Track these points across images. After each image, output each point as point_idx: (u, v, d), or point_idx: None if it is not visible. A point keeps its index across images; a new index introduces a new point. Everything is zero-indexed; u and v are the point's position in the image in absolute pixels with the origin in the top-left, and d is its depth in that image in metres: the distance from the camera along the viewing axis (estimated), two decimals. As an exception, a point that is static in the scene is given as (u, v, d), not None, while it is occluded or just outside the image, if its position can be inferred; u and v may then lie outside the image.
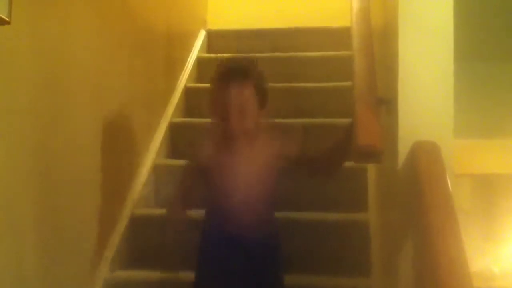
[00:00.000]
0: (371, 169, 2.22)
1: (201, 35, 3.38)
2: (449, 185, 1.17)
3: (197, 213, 1.72)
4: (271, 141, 1.62)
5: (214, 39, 3.39)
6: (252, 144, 1.59)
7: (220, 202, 1.61)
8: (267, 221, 1.64)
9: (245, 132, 1.55)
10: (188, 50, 3.14)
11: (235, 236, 1.58)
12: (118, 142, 2.13)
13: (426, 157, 1.22)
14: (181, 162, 2.44)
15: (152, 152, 2.46)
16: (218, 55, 3.19)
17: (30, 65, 1.46)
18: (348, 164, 2.23)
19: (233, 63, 1.63)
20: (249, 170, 1.59)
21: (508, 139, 3.10)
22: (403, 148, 1.26)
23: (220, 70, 1.58)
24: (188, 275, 1.66)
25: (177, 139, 2.65)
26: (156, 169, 2.42)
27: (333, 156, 1.65)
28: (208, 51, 3.35)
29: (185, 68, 3.02)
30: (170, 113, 2.70)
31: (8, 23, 1.25)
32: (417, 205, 1.21)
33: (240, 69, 1.56)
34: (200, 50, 3.27)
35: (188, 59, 3.10)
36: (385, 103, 1.40)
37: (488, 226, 4.11)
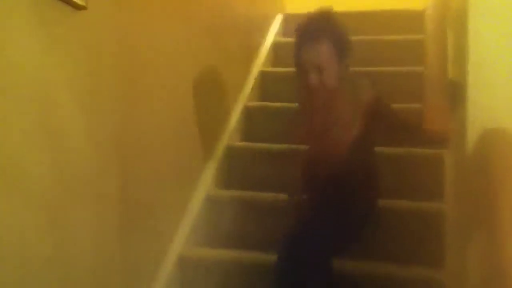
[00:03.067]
0: (448, 157, 2.14)
1: (278, 19, 3.38)
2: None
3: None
4: (358, 94, 1.65)
5: (291, 23, 3.37)
6: (337, 98, 1.62)
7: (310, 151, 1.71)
8: (357, 163, 1.68)
9: (326, 90, 1.59)
10: (265, 34, 3.15)
11: (326, 176, 1.68)
12: (194, 124, 2.20)
13: (497, 146, 1.16)
14: (255, 144, 2.52)
15: (227, 135, 2.51)
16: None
17: (108, 52, 1.52)
18: (423, 150, 2.21)
19: (308, 22, 1.66)
20: (334, 119, 1.65)
21: None
22: (472, 136, 1.21)
23: (297, 31, 1.65)
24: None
25: (252, 122, 2.69)
26: (228, 150, 2.47)
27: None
28: (285, 35, 3.34)
29: (261, 52, 3.04)
30: (245, 97, 2.73)
31: (85, 8, 1.29)
32: (487, 196, 1.16)
33: (314, 28, 1.60)
34: (277, 34, 3.27)
35: (265, 43, 3.12)
36: (458, 85, 1.34)
37: None
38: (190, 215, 2.14)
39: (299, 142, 1.86)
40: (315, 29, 1.59)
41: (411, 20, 2.85)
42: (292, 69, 2.82)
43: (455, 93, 1.33)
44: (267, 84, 2.92)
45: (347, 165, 1.67)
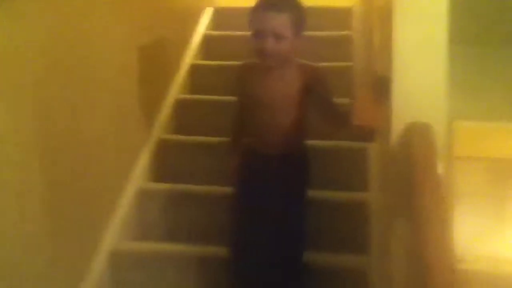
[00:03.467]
0: (372, 149, 2.25)
1: (208, 12, 3.38)
2: (439, 167, 1.20)
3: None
4: (305, 71, 1.72)
5: (221, 16, 3.40)
6: (286, 68, 1.71)
7: (254, 120, 1.77)
8: (296, 143, 1.79)
9: (278, 58, 1.66)
10: (195, 28, 3.15)
11: (267, 151, 1.76)
12: (126, 117, 2.18)
13: (418, 138, 1.25)
14: (186, 137, 2.53)
15: (159, 127, 2.50)
16: (224, 32, 3.21)
17: (43, 37, 1.48)
18: (348, 143, 2.31)
19: None
20: (280, 93, 1.72)
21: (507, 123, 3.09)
22: (396, 129, 1.29)
23: (257, 0, 1.69)
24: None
25: (183, 115, 2.69)
26: (160, 143, 2.47)
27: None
28: (215, 29, 3.36)
29: (191, 45, 3.04)
30: (175, 90, 2.73)
31: None
32: (408, 186, 1.24)
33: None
34: (207, 28, 3.28)
35: (195, 37, 3.12)
36: (386, 80, 1.42)
37: (497, 210, 4.11)
38: (122, 208, 2.11)
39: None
40: (278, 1, 1.66)
41: (339, 17, 2.95)
42: (222, 62, 2.86)
43: (383, 88, 1.40)
44: (198, 77, 2.92)
45: (289, 147, 1.76)
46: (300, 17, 1.67)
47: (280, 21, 1.62)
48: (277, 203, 1.75)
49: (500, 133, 3.37)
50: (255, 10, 1.67)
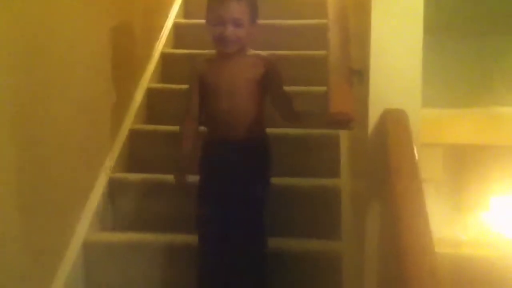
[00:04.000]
0: (344, 136, 2.28)
1: (178, 1, 3.35)
2: (415, 152, 1.24)
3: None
4: (260, 59, 1.80)
5: (191, 4, 3.37)
6: (243, 56, 1.78)
7: (213, 109, 1.81)
8: (255, 130, 1.81)
9: (237, 44, 1.73)
10: (165, 16, 3.12)
11: (227, 139, 1.80)
12: (97, 108, 2.15)
13: (393, 124, 1.28)
14: (158, 127, 2.51)
15: (130, 117, 2.48)
16: (195, 20, 3.19)
17: (7, 31, 1.45)
18: (320, 131, 2.34)
19: None
20: (238, 79, 1.78)
21: (476, 109, 3.20)
22: (373, 116, 1.32)
23: None
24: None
25: (154, 104, 2.67)
26: (132, 133, 2.45)
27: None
28: (185, 17, 3.33)
29: (162, 34, 3.01)
30: (147, 79, 2.70)
31: None
32: (384, 172, 1.27)
33: None
34: (177, 16, 3.25)
35: (165, 25, 3.09)
36: (358, 73, 1.45)
37: (457, 195, 4.25)
38: (94, 199, 2.10)
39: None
40: None
41: (313, 5, 2.98)
42: (193, 51, 2.85)
43: (357, 79, 1.44)
44: (168, 66, 2.90)
45: (248, 134, 1.80)
46: (255, 5, 1.76)
47: (239, 9, 1.69)
48: (238, 190, 1.78)
49: (456, 119, 3.47)
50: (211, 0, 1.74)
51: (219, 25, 1.70)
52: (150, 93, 2.67)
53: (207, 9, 1.76)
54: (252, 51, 1.82)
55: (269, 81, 1.78)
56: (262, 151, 1.85)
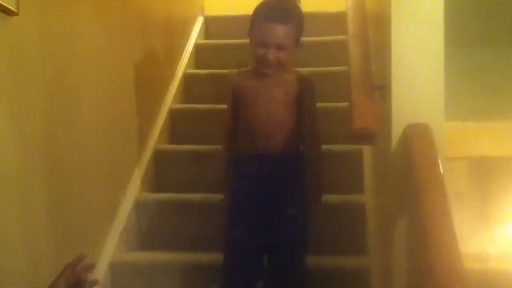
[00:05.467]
0: (367, 152, 2.28)
1: (199, 22, 3.41)
2: (440, 167, 1.23)
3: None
4: (298, 77, 1.78)
5: (212, 25, 3.42)
6: (280, 74, 1.74)
7: (249, 122, 1.79)
8: (290, 146, 1.78)
9: (279, 67, 1.70)
10: (187, 37, 3.17)
11: (261, 157, 1.76)
12: (121, 128, 2.18)
13: (418, 139, 1.27)
14: (182, 146, 2.54)
15: (154, 137, 2.51)
16: (216, 41, 3.23)
17: (37, 57, 1.49)
18: (344, 147, 2.34)
19: (274, 3, 1.74)
20: (274, 94, 1.75)
21: (500, 122, 3.15)
22: (396, 131, 1.32)
23: (264, 6, 1.71)
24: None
25: (178, 125, 2.70)
26: (156, 153, 2.48)
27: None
28: (206, 37, 3.38)
29: (183, 54, 3.06)
30: (170, 99, 2.74)
31: (16, 14, 1.28)
32: (410, 187, 1.26)
33: (282, 7, 1.70)
34: (198, 37, 3.30)
35: (187, 46, 3.14)
36: (379, 88, 1.46)
37: (483, 208, 4.17)
38: (120, 220, 2.12)
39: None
40: (283, 9, 1.68)
41: (333, 21, 2.99)
42: (214, 71, 2.88)
43: (379, 94, 1.44)
44: (190, 86, 2.94)
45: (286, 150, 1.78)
46: (301, 26, 1.71)
47: (284, 33, 1.65)
48: (277, 209, 1.76)
49: (480, 132, 3.43)
50: (257, 19, 1.69)
51: (262, 47, 1.67)
52: (173, 113, 2.71)
53: (251, 26, 1.72)
54: (291, 69, 1.80)
55: (303, 98, 1.76)
56: (298, 166, 1.82)
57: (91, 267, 1.12)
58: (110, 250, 2.01)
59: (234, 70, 1.88)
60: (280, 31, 1.64)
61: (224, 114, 1.90)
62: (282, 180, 1.76)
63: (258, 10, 1.70)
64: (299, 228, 1.78)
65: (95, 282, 1.15)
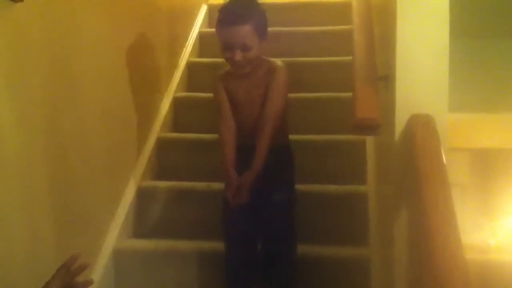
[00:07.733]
0: (370, 142, 2.28)
1: (203, 10, 3.39)
2: (443, 157, 1.23)
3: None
4: (271, 66, 1.78)
5: (216, 13, 3.39)
6: (258, 68, 1.76)
7: (237, 121, 1.82)
8: (276, 137, 1.78)
9: (249, 65, 1.73)
10: (190, 25, 3.16)
11: (248, 146, 1.75)
12: (125, 116, 2.19)
13: (421, 129, 1.27)
14: (185, 135, 2.54)
15: (157, 125, 2.51)
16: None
17: (41, 44, 1.49)
18: (347, 137, 2.34)
19: (233, 2, 1.76)
20: (254, 89, 1.77)
21: (504, 114, 3.15)
22: (400, 122, 1.32)
23: (223, 10, 1.73)
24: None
25: (181, 113, 2.70)
26: (159, 141, 2.48)
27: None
28: (210, 26, 3.36)
29: (187, 43, 3.05)
30: (173, 88, 2.74)
31: (21, 0, 1.29)
32: (412, 177, 1.27)
33: (239, 8, 1.71)
34: (202, 25, 3.29)
35: (190, 34, 3.13)
36: (383, 79, 1.46)
37: (484, 200, 4.18)
38: (123, 207, 2.13)
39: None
40: (240, 10, 1.69)
41: (338, 11, 2.98)
42: (218, 59, 2.86)
43: (383, 85, 1.44)
44: (194, 75, 2.94)
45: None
46: (263, 22, 1.73)
47: (245, 33, 1.67)
48: (262, 196, 1.77)
49: (484, 124, 3.43)
50: (219, 23, 1.72)
51: (228, 50, 1.70)
52: (176, 102, 2.71)
53: (215, 32, 1.75)
54: (266, 58, 1.81)
55: (269, 82, 1.78)
56: (284, 157, 1.84)
57: (85, 266, 1.13)
58: (113, 238, 2.03)
59: (220, 71, 1.89)
60: (240, 33, 1.66)
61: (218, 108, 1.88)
62: (268, 170, 1.77)
63: (218, 15, 1.74)
64: (285, 216, 1.82)
65: (90, 282, 1.16)
